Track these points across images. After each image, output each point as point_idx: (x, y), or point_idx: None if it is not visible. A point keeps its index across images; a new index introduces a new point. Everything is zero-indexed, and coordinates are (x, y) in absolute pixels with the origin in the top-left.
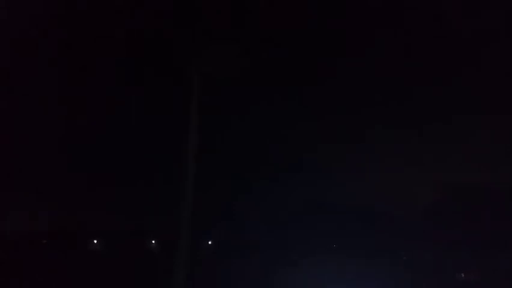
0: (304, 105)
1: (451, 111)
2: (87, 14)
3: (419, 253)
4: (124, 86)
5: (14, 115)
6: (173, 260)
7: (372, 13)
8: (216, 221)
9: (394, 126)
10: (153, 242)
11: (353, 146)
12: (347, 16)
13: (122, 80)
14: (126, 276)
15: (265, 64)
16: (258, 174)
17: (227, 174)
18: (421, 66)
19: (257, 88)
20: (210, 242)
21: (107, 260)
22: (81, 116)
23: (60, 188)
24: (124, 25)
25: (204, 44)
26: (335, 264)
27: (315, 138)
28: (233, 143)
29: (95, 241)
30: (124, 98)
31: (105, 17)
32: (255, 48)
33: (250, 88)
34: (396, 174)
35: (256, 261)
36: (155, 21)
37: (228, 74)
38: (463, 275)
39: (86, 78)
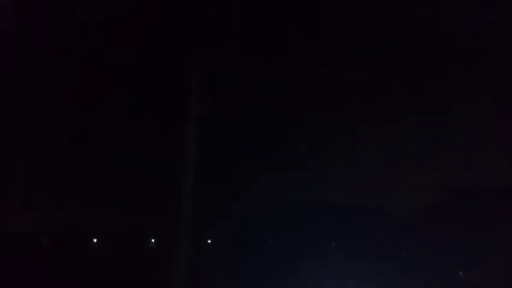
0: (305, 105)
1: (451, 111)
2: (86, 11)
3: (419, 253)
4: (123, 85)
5: (13, 114)
6: (173, 260)
7: (371, 13)
8: (216, 220)
9: (394, 126)
10: (152, 241)
11: (354, 146)
12: (346, 17)
13: (121, 79)
14: (125, 275)
15: (265, 64)
16: (258, 174)
17: (227, 174)
18: (421, 65)
19: (257, 88)
20: (209, 241)
21: (107, 259)
22: (80, 116)
23: (59, 188)
24: (124, 23)
25: (204, 44)
26: (335, 264)
27: (316, 138)
28: (233, 143)
29: (95, 240)
30: (124, 98)
31: (105, 14)
32: (256, 48)
33: (250, 88)
34: (397, 174)
35: (256, 261)
36: (155, 19)
37: (229, 73)
38: (461, 273)
39: (85, 77)
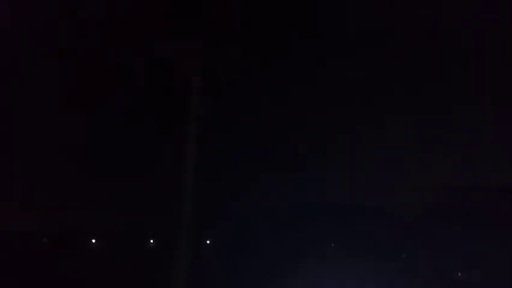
0: (305, 105)
1: (451, 111)
2: (86, 11)
3: (419, 253)
4: (123, 85)
5: (12, 114)
6: (173, 260)
7: (371, 13)
8: (216, 220)
9: (394, 126)
10: (152, 241)
11: (354, 146)
12: (346, 17)
13: (121, 79)
14: (125, 275)
15: (265, 64)
16: (258, 174)
17: (227, 174)
18: (421, 65)
19: (257, 88)
20: (209, 241)
21: (107, 259)
22: (80, 115)
23: (59, 188)
24: (123, 23)
25: (204, 44)
26: (335, 264)
27: (316, 138)
28: (233, 143)
29: (94, 241)
30: (124, 98)
31: (105, 14)
32: (256, 48)
33: (250, 88)
34: (397, 174)
35: (256, 261)
36: (155, 19)
37: (229, 73)
38: (460, 274)
39: (85, 77)
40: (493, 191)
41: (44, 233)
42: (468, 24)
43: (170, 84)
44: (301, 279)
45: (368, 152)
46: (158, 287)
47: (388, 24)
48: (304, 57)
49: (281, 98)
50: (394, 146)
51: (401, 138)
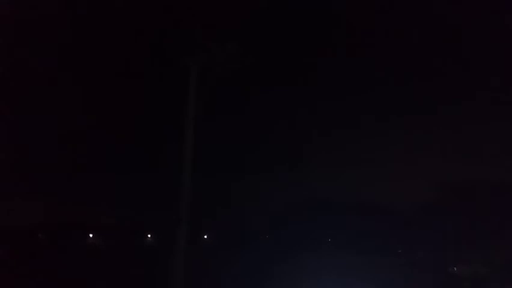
0: (305, 105)
1: (451, 110)
2: (91, 12)
3: (416, 248)
4: (123, 86)
5: (12, 111)
6: (172, 258)
7: (370, 10)
8: (214, 219)
9: (393, 124)
10: (151, 239)
11: (354, 145)
12: (343, 16)
13: (121, 80)
14: (125, 274)
15: (263, 61)
16: (257, 171)
17: (227, 173)
18: (420, 65)
19: (257, 89)
20: (206, 239)
21: (106, 258)
22: (80, 112)
23: (58, 186)
24: (125, 20)
25: (203, 40)
26: (334, 259)
27: (316, 136)
28: (231, 141)
29: (91, 235)
30: (124, 98)
31: (107, 11)
32: (253, 45)
33: (249, 89)
34: (396, 173)
35: (254, 259)
36: (156, 16)
37: (226, 72)
38: (455, 268)
39: (86, 77)
40: (491, 187)
41: (41, 229)
42: (467, 24)
43: (169, 85)
44: (299, 274)
45: (367, 150)
46: (157, 286)
47: (387, 24)
48: (303, 56)
49: (281, 98)
50: (393, 144)
51: (400, 136)
